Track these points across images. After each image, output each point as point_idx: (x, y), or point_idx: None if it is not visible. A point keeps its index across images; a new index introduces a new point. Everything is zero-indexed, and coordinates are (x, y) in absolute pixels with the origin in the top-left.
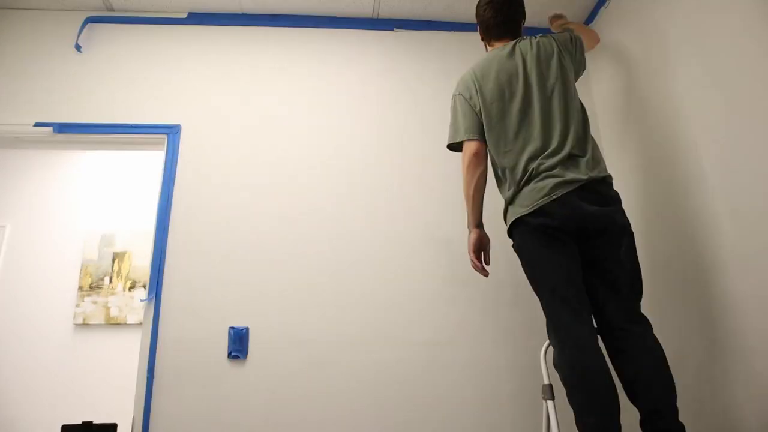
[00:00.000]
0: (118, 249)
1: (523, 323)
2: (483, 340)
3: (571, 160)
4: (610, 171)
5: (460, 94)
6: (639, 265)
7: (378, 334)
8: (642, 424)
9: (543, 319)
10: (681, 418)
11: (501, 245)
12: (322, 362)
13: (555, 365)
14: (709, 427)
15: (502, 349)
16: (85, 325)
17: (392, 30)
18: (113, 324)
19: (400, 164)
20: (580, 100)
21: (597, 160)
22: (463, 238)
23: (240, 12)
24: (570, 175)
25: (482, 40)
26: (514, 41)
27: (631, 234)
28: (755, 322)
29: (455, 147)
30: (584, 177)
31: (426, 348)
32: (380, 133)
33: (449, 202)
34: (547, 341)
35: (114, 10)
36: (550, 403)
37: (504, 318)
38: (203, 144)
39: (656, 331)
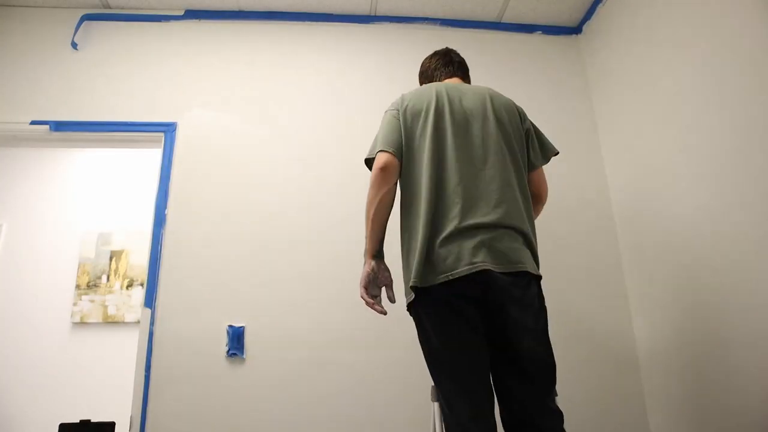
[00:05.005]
0: (116, 247)
1: None
2: None
3: None
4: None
5: None
6: (552, 351)
7: (375, 333)
8: None
9: None
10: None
11: None
12: (319, 361)
13: None
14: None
15: None
16: (82, 323)
17: (389, 26)
18: (111, 322)
19: None
20: None
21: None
22: None
23: (237, 9)
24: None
25: None
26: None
27: (545, 311)
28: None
29: None
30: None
31: None
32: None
33: None
34: None
35: (110, 8)
36: (436, 405)
37: None
38: (200, 142)
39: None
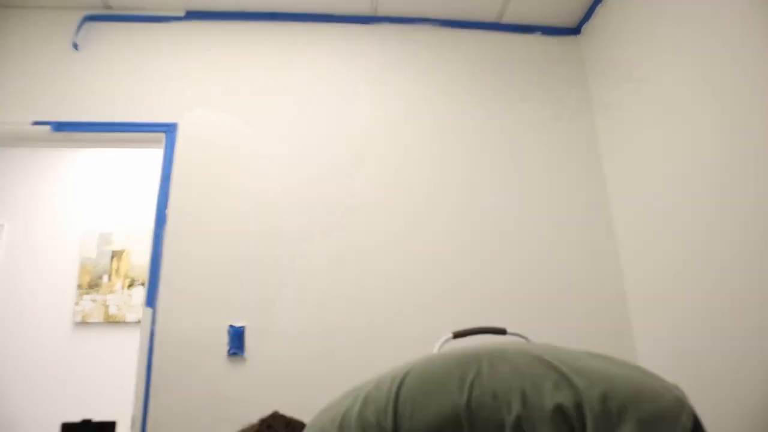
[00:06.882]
0: (117, 247)
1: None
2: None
3: None
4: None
5: None
6: None
7: (376, 332)
8: None
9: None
10: None
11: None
12: (320, 359)
13: None
14: None
15: None
16: (84, 323)
17: (390, 27)
18: (112, 322)
19: (395, 161)
20: None
21: None
22: (464, 233)
23: (237, 9)
24: None
25: None
26: None
27: None
28: None
29: None
30: None
31: (424, 344)
32: (379, 129)
33: (445, 200)
34: (444, 337)
35: (111, 8)
36: None
37: (501, 314)
38: (201, 142)
39: None
